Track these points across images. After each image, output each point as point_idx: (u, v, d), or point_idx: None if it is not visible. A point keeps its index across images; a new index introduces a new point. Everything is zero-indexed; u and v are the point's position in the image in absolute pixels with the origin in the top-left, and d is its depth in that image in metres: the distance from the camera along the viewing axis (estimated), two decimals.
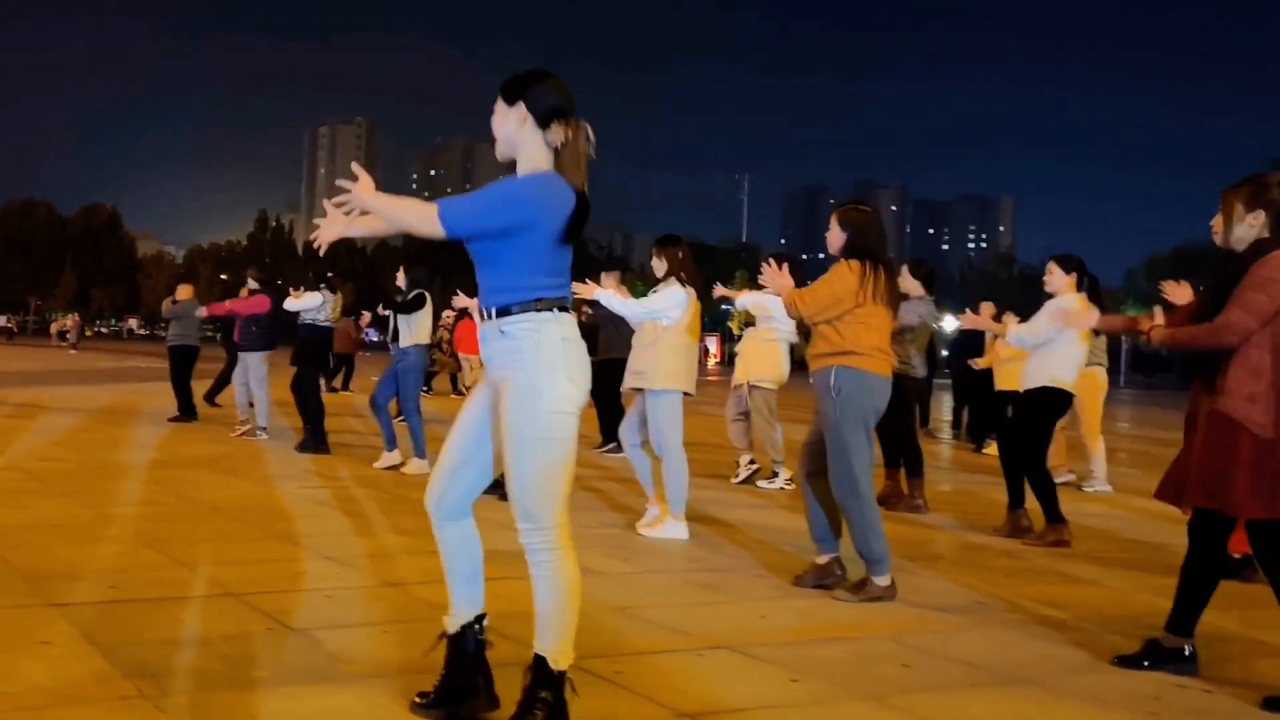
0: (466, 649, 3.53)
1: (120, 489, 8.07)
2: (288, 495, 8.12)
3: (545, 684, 3.30)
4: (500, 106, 3.42)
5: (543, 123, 3.39)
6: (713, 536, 7.09)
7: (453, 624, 3.55)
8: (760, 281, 5.88)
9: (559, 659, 3.32)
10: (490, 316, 3.37)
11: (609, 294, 7.21)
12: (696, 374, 7.28)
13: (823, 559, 5.72)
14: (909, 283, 8.72)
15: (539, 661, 3.32)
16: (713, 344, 63.09)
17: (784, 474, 9.71)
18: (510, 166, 3.45)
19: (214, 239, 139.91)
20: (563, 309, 3.36)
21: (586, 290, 7.14)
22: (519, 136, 3.41)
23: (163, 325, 15.58)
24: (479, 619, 3.55)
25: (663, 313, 7.06)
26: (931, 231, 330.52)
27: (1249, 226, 4.23)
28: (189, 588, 5.08)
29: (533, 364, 3.29)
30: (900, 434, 8.78)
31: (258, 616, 4.61)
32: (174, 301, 14.80)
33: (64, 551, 5.75)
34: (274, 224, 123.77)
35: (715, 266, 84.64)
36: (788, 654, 4.41)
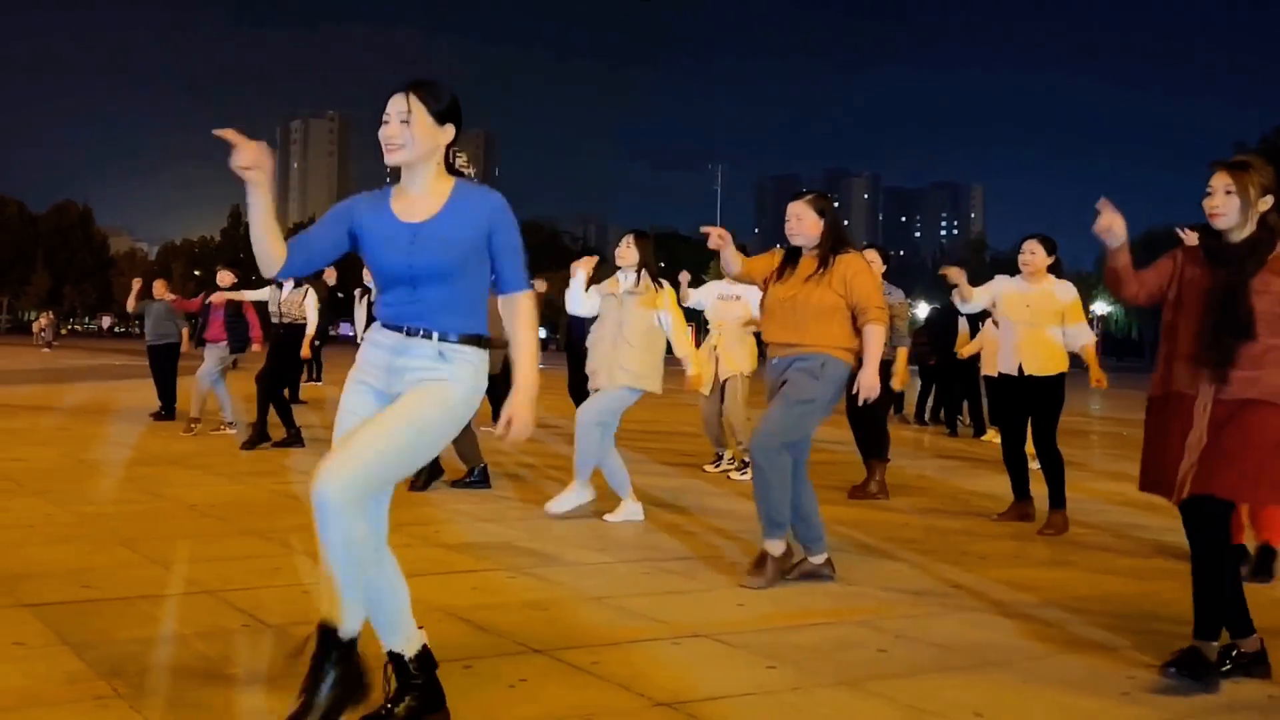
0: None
1: (94, 487, 8.03)
2: (263, 491, 8.10)
3: (417, 667, 3.30)
4: (424, 119, 3.28)
5: (453, 142, 3.40)
6: (687, 525, 7.11)
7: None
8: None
9: (416, 645, 3.32)
10: (430, 337, 3.26)
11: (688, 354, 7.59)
12: None
13: (819, 559, 5.64)
14: (879, 268, 8.77)
15: (397, 659, 3.29)
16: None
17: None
18: (388, 168, 3.33)
19: (187, 235, 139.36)
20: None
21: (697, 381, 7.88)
22: (433, 155, 3.33)
23: (137, 323, 15.38)
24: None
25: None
26: (904, 219, 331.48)
27: (1257, 211, 4.12)
28: (163, 586, 5.06)
29: (459, 388, 3.25)
30: (878, 419, 8.84)
31: (233, 613, 4.60)
32: (139, 299, 14.69)
33: (37, 551, 5.72)
34: (247, 220, 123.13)
35: (690, 256, 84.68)
36: (764, 640, 4.43)
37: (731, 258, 5.85)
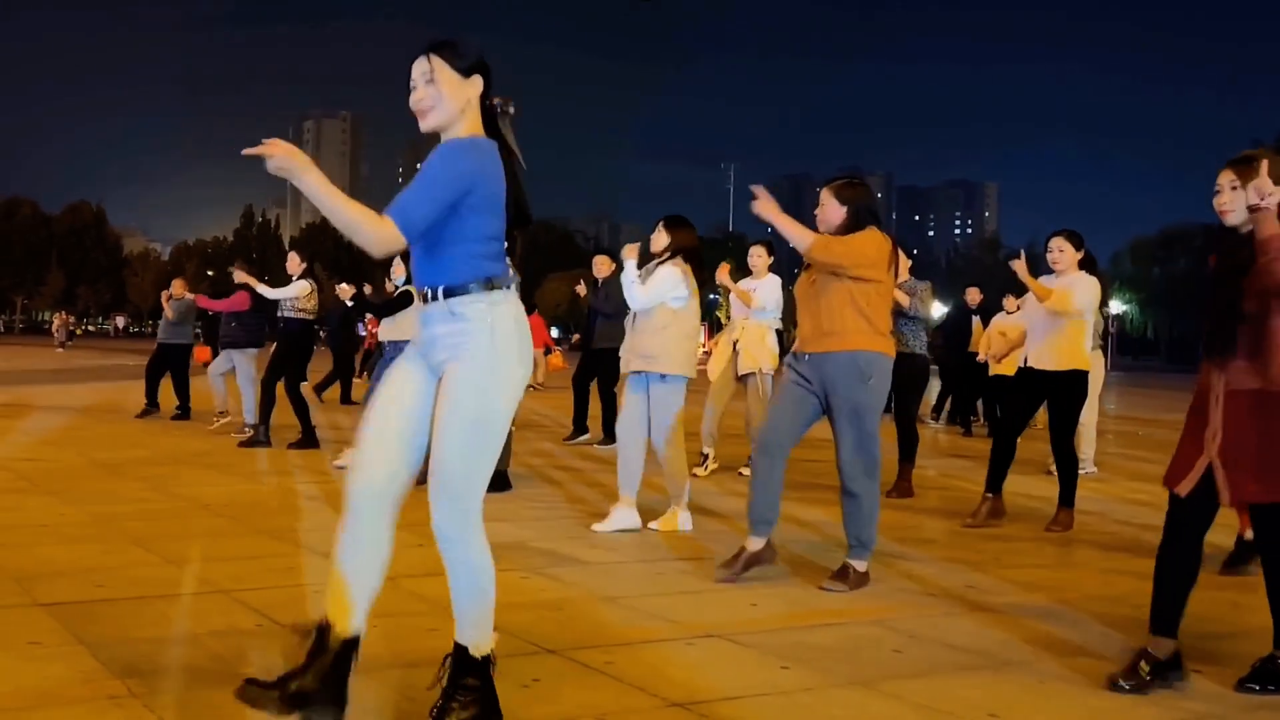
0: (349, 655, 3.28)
1: (107, 487, 8.04)
2: (276, 491, 8.11)
3: (469, 670, 3.24)
4: (449, 75, 3.23)
5: (486, 95, 3.32)
6: (700, 525, 7.09)
7: (356, 628, 3.29)
8: (762, 214, 5.50)
9: (480, 646, 3.26)
10: (436, 297, 3.24)
11: (632, 265, 6.88)
12: None
13: (759, 543, 5.56)
14: (905, 263, 8.67)
15: (459, 651, 3.26)
16: (702, 333, 61.97)
17: (712, 453, 9.81)
18: (433, 138, 3.31)
19: (200, 235, 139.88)
20: (508, 287, 3.29)
21: (631, 250, 6.93)
22: (466, 110, 3.27)
23: (149, 323, 15.50)
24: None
25: (666, 296, 6.87)
26: (917, 218, 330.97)
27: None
28: (177, 585, 5.07)
29: (489, 347, 3.21)
30: (908, 420, 8.78)
31: (247, 613, 4.60)
32: (171, 297, 14.77)
33: (51, 550, 5.73)
34: (260, 219, 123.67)
35: (704, 256, 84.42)
36: (777, 641, 4.42)
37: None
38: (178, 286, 14.86)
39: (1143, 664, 4.07)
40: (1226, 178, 4.18)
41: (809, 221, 5.65)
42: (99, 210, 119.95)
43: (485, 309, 3.22)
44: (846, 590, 5.33)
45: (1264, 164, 4.06)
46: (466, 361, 3.20)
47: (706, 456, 10.17)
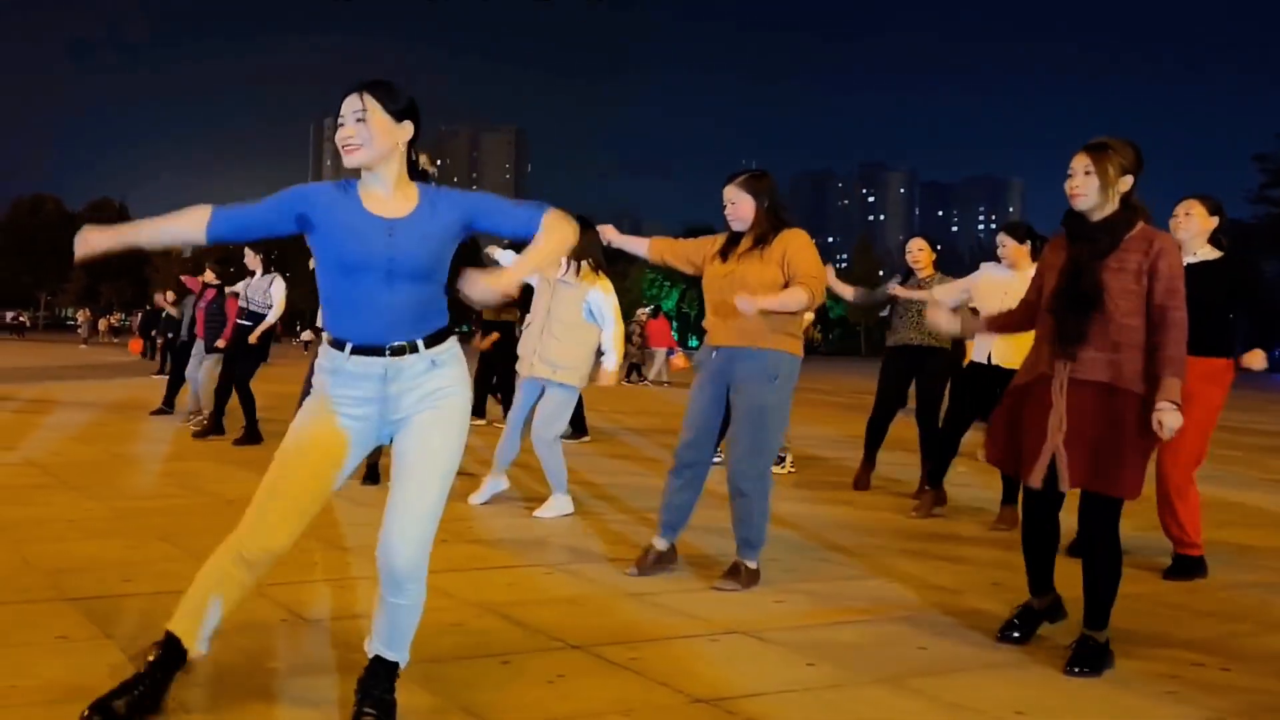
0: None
1: (132, 482, 8.08)
2: None
3: (390, 687, 3.35)
4: (381, 117, 3.19)
5: (414, 142, 3.32)
6: (723, 521, 7.07)
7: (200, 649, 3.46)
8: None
9: (405, 658, 3.41)
10: (416, 350, 3.23)
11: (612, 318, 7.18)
12: None
13: (664, 544, 5.55)
14: (929, 256, 8.50)
15: (386, 666, 3.35)
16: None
17: (789, 457, 9.72)
18: (353, 172, 3.31)
19: None
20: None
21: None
22: (393, 153, 3.24)
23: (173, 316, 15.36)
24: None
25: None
26: (940, 213, 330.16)
27: (1117, 191, 4.17)
28: None
29: (465, 392, 3.33)
30: (930, 423, 8.54)
31: (272, 607, 4.61)
32: (175, 301, 14.70)
33: (77, 545, 5.76)
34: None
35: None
36: (802, 637, 4.41)
37: (628, 244, 5.89)
38: (189, 284, 14.74)
39: (1017, 619, 4.48)
40: (1080, 162, 4.20)
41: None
42: (121, 207, 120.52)
43: (456, 352, 3.33)
44: (740, 589, 5.19)
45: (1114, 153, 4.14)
46: (450, 408, 3.27)
47: (783, 458, 10.08)
